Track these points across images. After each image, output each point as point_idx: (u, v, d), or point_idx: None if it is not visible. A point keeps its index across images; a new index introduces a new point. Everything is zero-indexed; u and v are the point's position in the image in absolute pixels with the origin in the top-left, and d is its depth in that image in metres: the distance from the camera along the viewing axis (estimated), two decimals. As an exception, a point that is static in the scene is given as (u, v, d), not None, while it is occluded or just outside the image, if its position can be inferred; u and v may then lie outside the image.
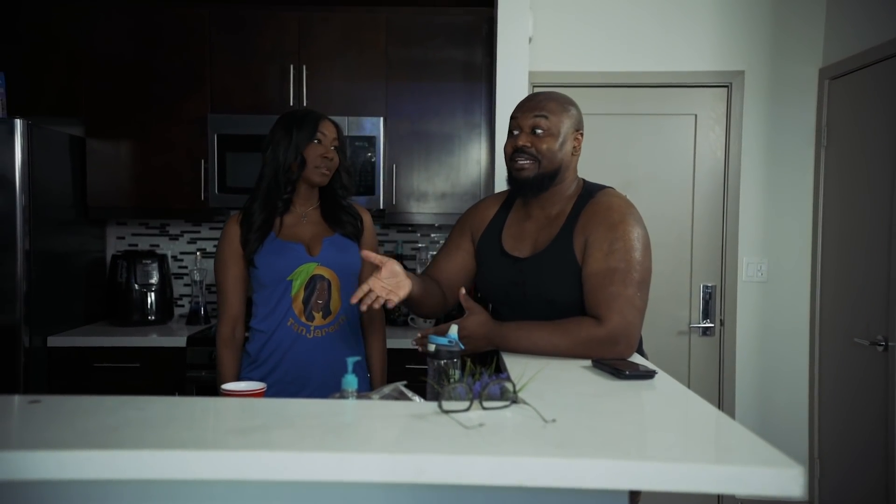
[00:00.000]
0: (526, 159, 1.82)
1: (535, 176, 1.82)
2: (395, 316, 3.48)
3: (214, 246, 3.23)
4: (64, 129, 3.34)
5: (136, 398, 1.29)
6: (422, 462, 1.01)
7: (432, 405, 1.25)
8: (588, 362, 1.66)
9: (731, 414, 3.53)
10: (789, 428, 3.54)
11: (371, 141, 3.25)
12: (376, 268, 1.72)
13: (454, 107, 3.36)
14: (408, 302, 1.84)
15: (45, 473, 1.01)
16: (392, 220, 3.43)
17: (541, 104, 1.84)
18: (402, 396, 1.43)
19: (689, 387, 2.29)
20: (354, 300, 1.70)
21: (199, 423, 1.23)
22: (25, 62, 3.29)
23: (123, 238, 3.71)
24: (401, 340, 2.93)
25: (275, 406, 1.33)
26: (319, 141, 2.08)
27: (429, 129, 3.36)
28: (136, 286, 3.36)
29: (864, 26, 3.13)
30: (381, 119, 3.27)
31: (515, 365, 1.60)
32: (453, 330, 1.54)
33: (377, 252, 2.23)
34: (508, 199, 2.01)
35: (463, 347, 1.55)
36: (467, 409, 1.21)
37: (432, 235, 3.74)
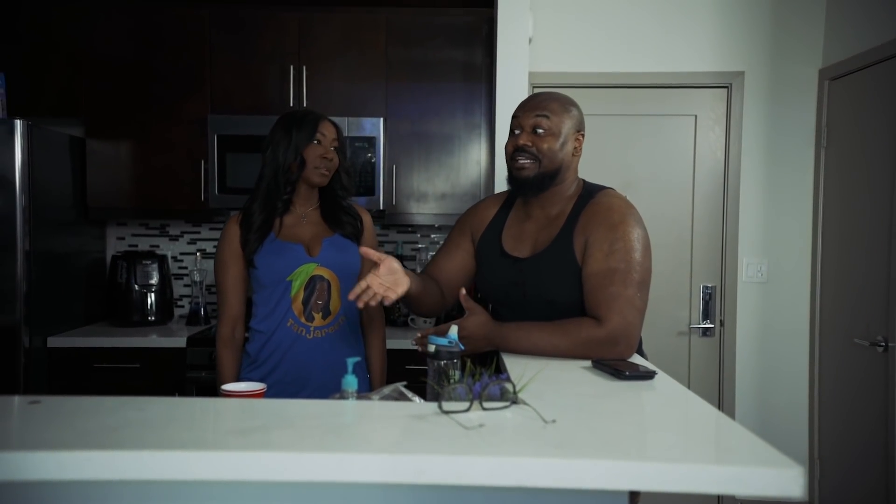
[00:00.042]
0: (526, 158, 1.82)
1: (536, 175, 1.83)
2: (395, 316, 3.48)
3: (214, 246, 3.23)
4: (64, 129, 3.34)
5: (135, 399, 1.29)
6: (422, 462, 1.01)
7: (432, 406, 1.25)
8: (588, 363, 1.66)
9: (731, 414, 3.53)
10: (789, 428, 3.54)
11: (371, 141, 3.25)
12: (375, 266, 1.72)
13: (454, 107, 3.36)
14: (406, 300, 1.84)
15: (45, 474, 1.01)
16: (392, 220, 3.43)
17: (542, 104, 1.84)
18: (401, 397, 1.43)
19: (689, 387, 2.30)
20: (352, 297, 1.70)
21: (199, 423, 1.23)
22: (25, 62, 3.29)
23: (123, 238, 3.71)
24: (401, 341, 2.93)
25: (275, 407, 1.33)
26: (319, 141, 2.08)
27: (429, 130, 3.36)
28: (136, 287, 3.36)
29: (864, 27, 3.13)
30: (381, 119, 3.27)
31: (515, 365, 1.60)
32: (453, 330, 1.53)
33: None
34: (508, 200, 2.01)
35: (463, 348, 1.55)
36: (467, 410, 1.21)
37: (432, 236, 3.74)
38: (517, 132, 1.86)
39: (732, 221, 3.56)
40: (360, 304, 1.71)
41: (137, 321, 3.36)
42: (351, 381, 1.45)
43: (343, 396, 1.44)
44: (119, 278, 3.36)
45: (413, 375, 2.77)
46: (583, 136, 1.90)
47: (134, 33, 3.32)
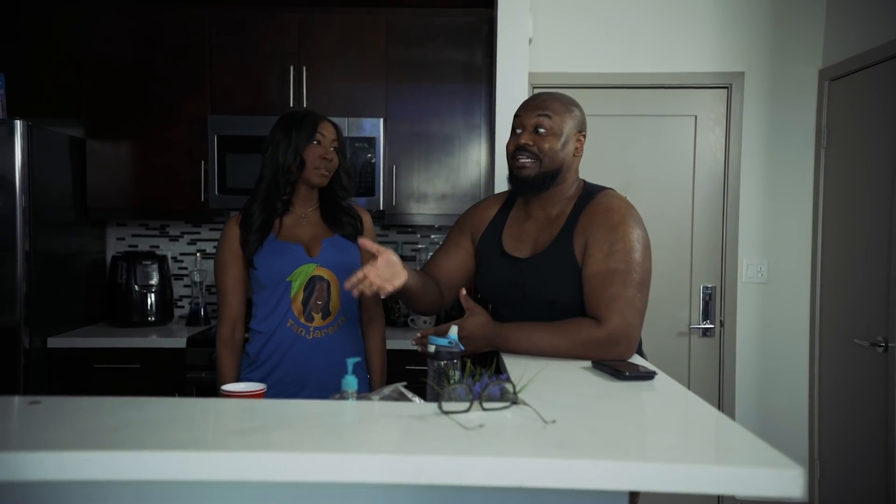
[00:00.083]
0: (528, 158, 1.83)
1: (536, 175, 1.83)
2: (395, 317, 3.48)
3: (214, 247, 3.24)
4: (64, 129, 3.34)
5: (135, 399, 1.29)
6: (422, 463, 1.01)
7: (432, 406, 1.25)
8: (588, 363, 1.66)
9: (731, 415, 3.53)
10: (789, 429, 3.54)
11: (371, 142, 3.25)
12: (374, 258, 1.72)
13: (454, 108, 3.36)
14: (403, 294, 1.84)
15: (45, 474, 1.01)
16: (392, 221, 3.43)
17: (544, 103, 1.85)
18: (401, 397, 1.43)
19: (689, 388, 2.29)
20: (348, 286, 1.69)
21: (198, 423, 1.23)
22: (25, 62, 3.29)
23: (123, 239, 3.71)
24: (401, 341, 2.93)
25: (274, 407, 1.33)
26: (318, 142, 2.08)
27: (429, 130, 3.36)
28: (136, 287, 3.36)
29: (864, 27, 3.13)
30: (381, 120, 3.27)
31: (515, 366, 1.60)
32: (453, 331, 1.53)
33: None
34: (509, 200, 2.02)
35: (463, 348, 1.55)
36: (467, 410, 1.21)
37: (432, 236, 3.74)
38: (519, 131, 1.86)
39: (732, 222, 3.56)
40: (356, 294, 1.71)
41: (137, 322, 3.36)
42: (351, 382, 1.45)
43: (343, 397, 1.44)
44: (119, 279, 3.37)
45: (413, 376, 2.77)
46: (584, 136, 1.90)
47: (134, 33, 3.32)
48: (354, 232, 2.16)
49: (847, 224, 3.27)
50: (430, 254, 3.65)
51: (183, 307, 3.69)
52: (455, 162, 3.37)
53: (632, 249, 1.74)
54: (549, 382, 1.46)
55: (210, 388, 2.71)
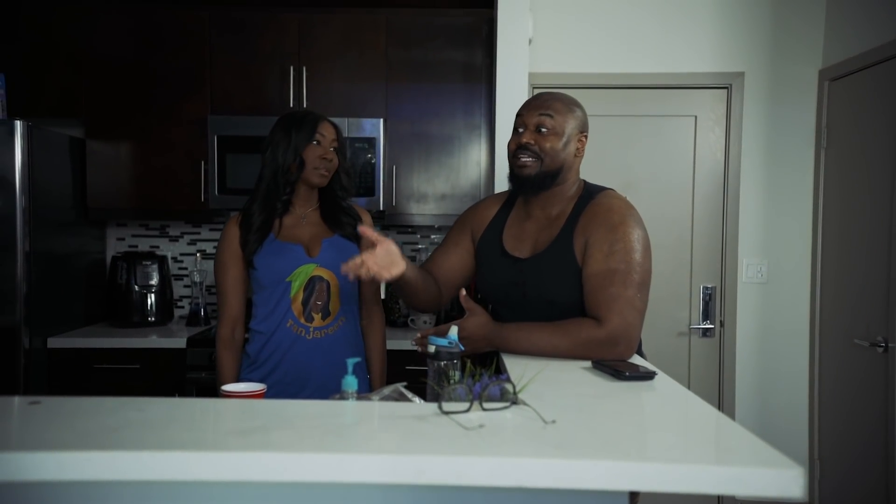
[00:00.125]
0: (529, 157, 1.83)
1: (537, 174, 1.83)
2: (395, 317, 3.48)
3: (214, 247, 3.23)
4: (64, 130, 3.34)
5: (135, 399, 1.29)
6: (422, 463, 1.01)
7: (432, 406, 1.25)
8: (588, 363, 1.66)
9: (731, 415, 3.52)
10: (789, 429, 3.54)
11: (371, 142, 3.25)
12: (373, 246, 1.72)
13: (454, 108, 3.36)
14: (401, 287, 1.84)
15: (45, 474, 1.01)
16: (392, 221, 3.43)
17: (547, 103, 1.85)
18: (401, 398, 1.43)
19: (689, 388, 2.29)
20: (345, 270, 1.69)
21: (198, 424, 1.23)
22: (25, 62, 3.29)
23: (123, 239, 3.71)
24: (400, 342, 2.93)
25: (274, 407, 1.33)
26: (318, 142, 2.08)
27: (429, 131, 3.36)
28: (136, 287, 3.36)
29: (864, 28, 3.13)
30: (381, 120, 3.27)
31: (515, 366, 1.60)
32: (453, 331, 1.53)
33: None
34: (509, 200, 2.02)
35: (463, 348, 1.55)
36: (467, 411, 1.21)
37: (432, 237, 3.74)
38: (521, 130, 1.86)
39: (732, 222, 3.56)
40: (352, 278, 1.71)
41: (137, 322, 3.36)
42: (351, 382, 1.45)
43: (343, 397, 1.44)
44: (119, 279, 3.37)
45: (413, 376, 2.77)
46: (586, 137, 1.90)
47: (134, 34, 3.32)
48: (354, 232, 2.16)
49: (847, 224, 3.27)
50: (430, 254, 3.65)
51: (183, 307, 3.69)
52: (455, 162, 3.37)
53: (632, 250, 1.74)
54: (549, 382, 1.46)
55: (210, 389, 2.71)
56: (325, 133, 2.10)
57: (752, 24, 3.51)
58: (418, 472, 1.00)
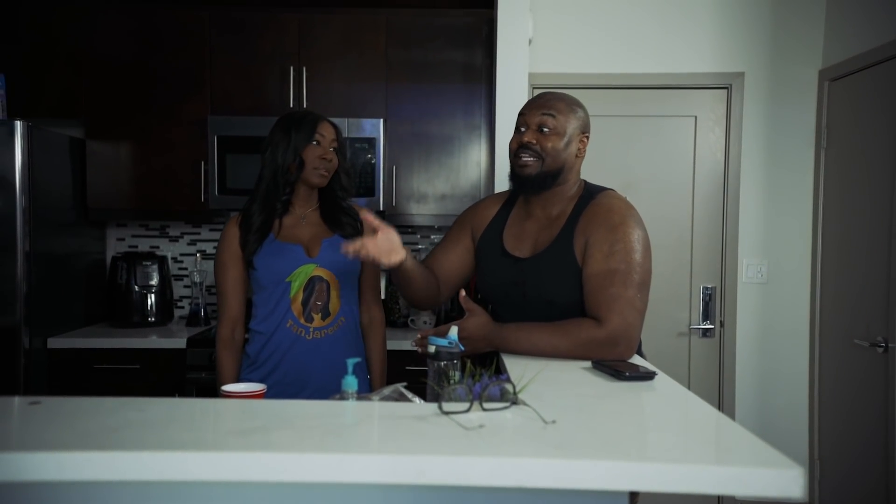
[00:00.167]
0: (530, 156, 1.83)
1: (538, 174, 1.83)
2: (395, 317, 3.48)
3: (214, 247, 3.24)
4: (64, 130, 3.34)
5: (135, 399, 1.29)
6: (422, 463, 1.01)
7: (432, 406, 1.25)
8: (588, 364, 1.66)
9: (731, 415, 3.52)
10: (789, 429, 3.54)
11: (371, 142, 3.25)
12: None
13: (454, 108, 3.36)
14: (400, 276, 1.84)
15: (45, 475, 1.01)
16: (392, 221, 3.41)
17: (549, 103, 1.85)
18: (401, 398, 1.43)
19: (689, 388, 2.29)
20: (345, 248, 1.71)
21: (198, 424, 1.23)
22: (25, 63, 3.29)
23: (123, 240, 3.71)
24: (401, 342, 2.94)
25: (274, 407, 1.33)
26: (318, 142, 2.08)
27: (429, 131, 3.36)
28: (136, 288, 3.36)
29: (864, 28, 3.13)
30: (381, 121, 3.27)
31: (515, 366, 1.60)
32: (453, 331, 1.53)
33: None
34: (510, 199, 2.02)
35: (463, 349, 1.55)
36: (467, 411, 1.21)
37: (432, 237, 3.74)
38: (522, 129, 1.86)
39: (732, 222, 3.56)
40: (350, 256, 1.71)
41: (137, 322, 3.36)
42: (351, 382, 1.45)
43: (343, 397, 1.44)
44: (119, 279, 3.37)
45: (413, 376, 2.77)
46: (587, 138, 1.90)
47: (134, 34, 3.33)
48: (354, 232, 2.15)
49: (847, 224, 3.27)
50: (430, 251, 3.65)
51: (183, 308, 3.69)
52: (455, 162, 3.37)
53: (632, 250, 1.74)
54: (549, 383, 1.46)
55: (210, 389, 2.71)
56: (325, 133, 2.10)
57: (752, 24, 3.51)
58: (418, 473, 1.00)
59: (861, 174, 3.16)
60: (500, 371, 1.67)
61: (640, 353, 1.88)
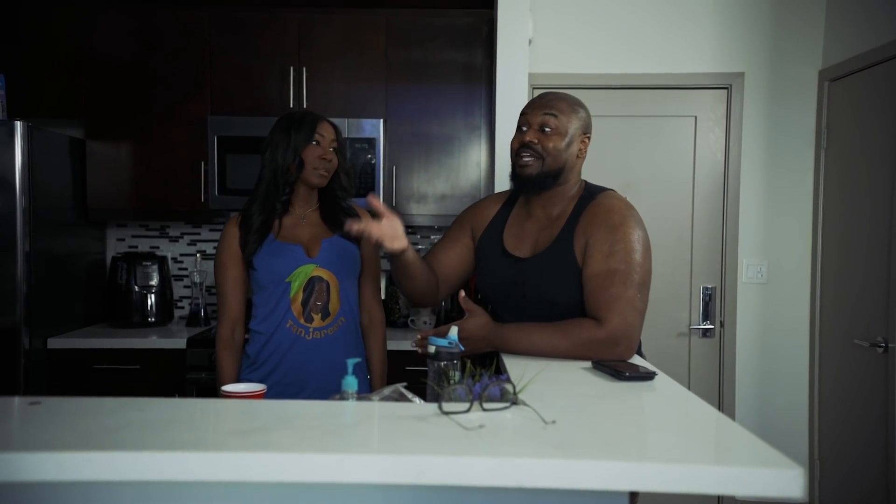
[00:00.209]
0: (531, 156, 1.83)
1: (539, 174, 1.83)
2: (395, 318, 3.48)
3: (214, 248, 3.23)
4: (64, 130, 3.34)
5: (136, 400, 1.29)
6: (422, 463, 1.01)
7: (432, 407, 1.25)
8: (588, 364, 1.66)
9: (732, 415, 3.52)
10: (789, 429, 3.54)
11: (371, 143, 3.25)
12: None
13: (454, 108, 3.36)
14: (400, 266, 1.85)
15: (45, 475, 1.01)
16: (392, 221, 3.42)
17: (551, 103, 1.85)
18: (401, 398, 1.43)
19: (689, 388, 2.29)
20: (348, 227, 1.75)
21: (198, 424, 1.23)
22: (25, 63, 3.29)
23: (123, 240, 3.71)
24: (401, 342, 2.93)
25: (274, 407, 1.33)
26: (318, 142, 2.08)
27: (429, 131, 3.36)
28: (136, 288, 3.36)
29: (864, 28, 3.13)
30: (381, 121, 3.27)
31: (515, 366, 1.60)
32: (453, 331, 1.53)
33: (377, 258, 2.23)
34: (510, 199, 2.02)
35: (463, 349, 1.55)
36: (467, 411, 1.21)
37: (432, 237, 3.74)
38: (524, 129, 1.86)
39: (732, 222, 3.56)
40: (354, 232, 1.76)
41: (137, 322, 3.36)
42: (351, 382, 1.45)
43: (343, 397, 1.44)
44: (119, 279, 3.37)
45: (413, 376, 2.77)
46: (589, 138, 1.90)
47: (134, 34, 3.33)
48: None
49: (847, 224, 3.27)
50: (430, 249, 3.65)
51: (183, 308, 3.69)
52: (455, 163, 3.37)
53: (632, 250, 1.74)
54: (549, 383, 1.46)
55: (210, 389, 2.71)
56: (325, 133, 2.10)
57: (752, 24, 3.51)
58: (418, 473, 1.00)
59: (861, 174, 3.16)
60: (500, 371, 1.67)
61: (640, 354, 1.88)
